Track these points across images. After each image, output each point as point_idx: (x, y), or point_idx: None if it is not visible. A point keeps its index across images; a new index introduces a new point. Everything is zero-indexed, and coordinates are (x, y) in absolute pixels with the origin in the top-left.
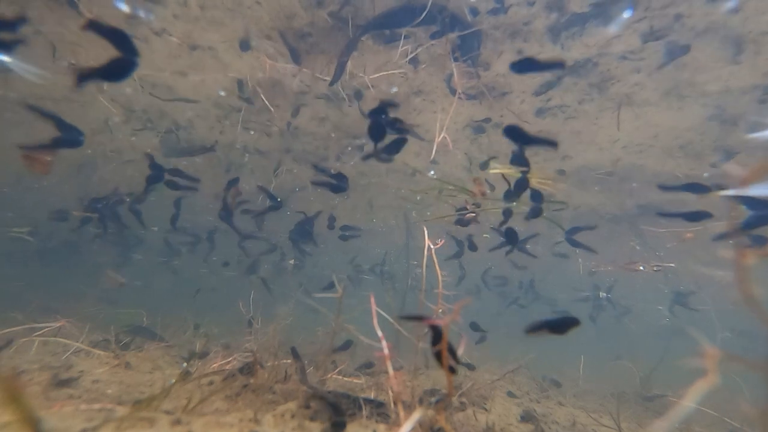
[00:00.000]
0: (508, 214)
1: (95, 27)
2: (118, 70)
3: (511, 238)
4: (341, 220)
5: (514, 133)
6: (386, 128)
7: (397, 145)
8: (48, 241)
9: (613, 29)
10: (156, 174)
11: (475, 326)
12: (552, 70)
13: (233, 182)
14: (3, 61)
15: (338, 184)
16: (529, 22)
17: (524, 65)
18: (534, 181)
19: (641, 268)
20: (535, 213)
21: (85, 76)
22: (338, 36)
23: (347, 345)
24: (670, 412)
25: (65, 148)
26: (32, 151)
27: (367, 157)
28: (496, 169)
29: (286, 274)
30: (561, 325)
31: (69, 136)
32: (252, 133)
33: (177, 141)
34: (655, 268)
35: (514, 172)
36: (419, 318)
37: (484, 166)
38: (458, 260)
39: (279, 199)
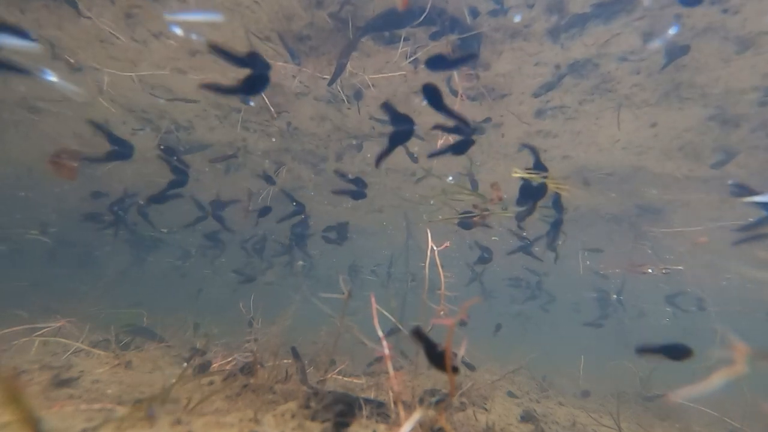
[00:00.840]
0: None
1: (221, 52)
2: (256, 85)
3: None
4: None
5: (430, 94)
6: (411, 136)
7: (465, 146)
8: (59, 244)
9: (655, 45)
10: (181, 178)
11: (462, 323)
12: (463, 63)
13: (270, 180)
14: (49, 80)
15: (358, 190)
16: (529, 23)
17: (436, 63)
18: (552, 187)
19: (650, 270)
20: (557, 225)
21: (225, 90)
22: (338, 37)
23: (393, 331)
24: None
25: (118, 161)
26: (59, 157)
27: (433, 155)
28: (517, 174)
29: (294, 276)
30: (675, 352)
31: (121, 150)
32: (277, 140)
33: (177, 141)
34: (663, 271)
35: (536, 178)
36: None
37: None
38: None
39: (295, 203)
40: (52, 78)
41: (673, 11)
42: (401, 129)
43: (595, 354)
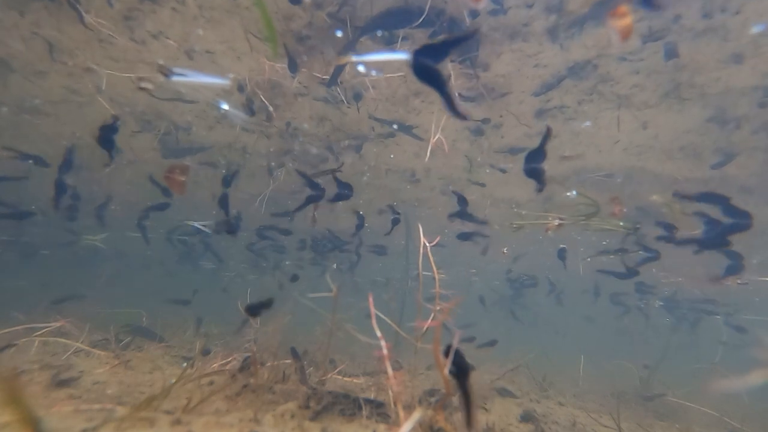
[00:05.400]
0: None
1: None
2: None
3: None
4: (342, 222)
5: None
6: None
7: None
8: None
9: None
10: (317, 195)
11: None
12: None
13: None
14: (221, 108)
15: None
16: (528, 23)
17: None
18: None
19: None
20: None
21: None
22: (336, 37)
23: (492, 343)
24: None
25: (342, 201)
26: (172, 173)
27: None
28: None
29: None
30: None
31: (343, 191)
32: (277, 140)
33: (176, 142)
34: (738, 281)
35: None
36: None
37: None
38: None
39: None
40: (225, 107)
41: (672, 12)
42: None
43: (595, 354)
